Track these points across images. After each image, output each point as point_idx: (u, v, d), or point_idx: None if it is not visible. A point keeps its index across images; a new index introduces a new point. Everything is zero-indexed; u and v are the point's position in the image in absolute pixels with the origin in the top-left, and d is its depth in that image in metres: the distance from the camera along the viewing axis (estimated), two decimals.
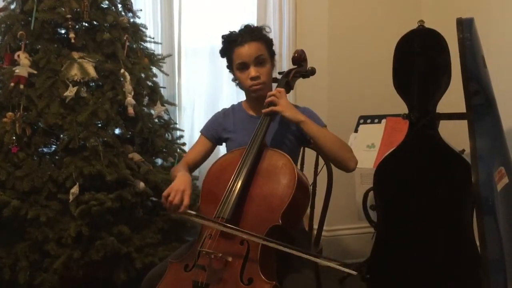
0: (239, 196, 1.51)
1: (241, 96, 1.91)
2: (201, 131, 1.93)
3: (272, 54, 1.81)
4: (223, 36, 1.81)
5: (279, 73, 1.89)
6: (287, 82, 1.84)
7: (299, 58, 1.91)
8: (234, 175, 1.55)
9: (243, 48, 1.72)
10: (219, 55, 3.06)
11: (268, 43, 1.80)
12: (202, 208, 1.60)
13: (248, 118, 1.84)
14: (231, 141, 1.84)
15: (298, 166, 1.83)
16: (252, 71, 1.72)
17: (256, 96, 1.77)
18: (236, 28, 1.82)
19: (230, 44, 1.76)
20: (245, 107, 1.89)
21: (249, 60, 1.72)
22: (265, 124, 1.66)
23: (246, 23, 1.83)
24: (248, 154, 1.59)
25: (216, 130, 1.88)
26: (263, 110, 1.68)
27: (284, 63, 3.13)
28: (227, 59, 1.82)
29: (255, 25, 1.82)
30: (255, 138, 1.63)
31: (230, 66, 1.83)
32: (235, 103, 1.98)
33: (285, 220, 1.45)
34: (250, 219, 1.49)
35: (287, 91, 1.87)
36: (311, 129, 1.64)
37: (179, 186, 1.52)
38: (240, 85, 1.85)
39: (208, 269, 1.42)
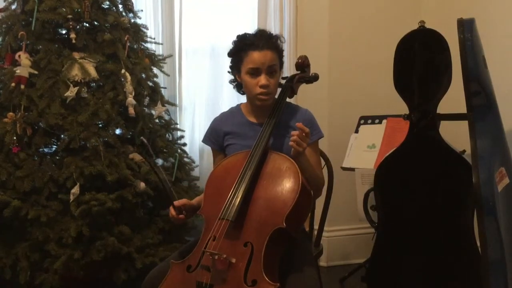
0: (244, 199, 1.51)
1: (241, 96, 1.88)
2: (206, 143, 1.89)
3: (281, 65, 1.79)
4: (238, 36, 1.76)
5: (283, 78, 1.89)
6: (291, 87, 1.84)
7: (302, 64, 1.92)
8: (238, 177, 1.55)
9: (259, 53, 1.67)
10: (219, 55, 3.11)
11: (281, 54, 1.77)
12: (205, 210, 1.59)
13: (249, 125, 1.81)
14: (231, 146, 1.82)
15: None
16: (263, 79, 1.68)
17: (259, 104, 1.74)
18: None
19: (245, 46, 1.70)
20: (245, 111, 1.85)
21: (262, 67, 1.68)
22: (269, 128, 1.65)
23: (261, 28, 1.80)
24: (253, 157, 1.58)
25: (217, 139, 1.85)
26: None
27: (284, 63, 3.12)
28: (235, 59, 1.76)
29: (269, 31, 1.78)
30: (259, 141, 1.62)
31: (236, 67, 1.77)
32: (236, 103, 1.96)
33: (289, 223, 1.45)
34: (254, 222, 1.49)
35: (291, 96, 1.88)
36: (301, 163, 1.61)
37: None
38: (238, 88, 1.83)
39: (212, 270, 1.42)
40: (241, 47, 1.71)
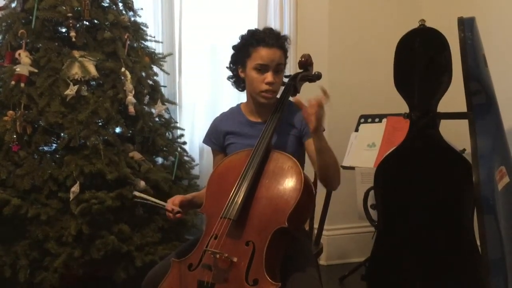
0: (246, 197, 1.50)
1: (242, 95, 1.88)
2: (206, 144, 1.89)
3: (285, 65, 1.78)
4: (248, 30, 1.74)
5: (285, 76, 1.88)
6: (294, 86, 1.84)
7: (305, 63, 1.92)
8: (241, 176, 1.55)
9: (269, 50, 1.66)
10: (219, 54, 3.10)
11: (286, 55, 1.77)
12: (207, 208, 1.59)
13: (250, 124, 1.80)
14: (232, 146, 1.81)
15: None
16: (270, 76, 1.67)
17: (263, 102, 1.73)
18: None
19: (255, 41, 1.68)
20: (245, 111, 1.84)
21: (270, 64, 1.67)
22: (272, 126, 1.65)
23: (264, 25, 1.78)
24: (255, 155, 1.58)
25: (218, 140, 1.84)
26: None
27: None
28: (241, 54, 1.73)
29: (278, 30, 1.77)
30: (262, 140, 1.61)
31: (241, 62, 1.74)
32: (236, 102, 1.95)
33: (291, 223, 1.45)
34: (256, 221, 1.49)
35: (293, 95, 1.87)
36: (321, 144, 1.57)
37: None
38: (237, 84, 1.82)
39: (214, 269, 1.42)
40: (250, 42, 1.69)
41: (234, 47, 1.78)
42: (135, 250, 2.35)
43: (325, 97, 1.52)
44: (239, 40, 1.75)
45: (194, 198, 1.71)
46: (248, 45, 1.70)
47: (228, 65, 1.82)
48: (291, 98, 1.83)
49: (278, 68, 1.70)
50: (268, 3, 3.19)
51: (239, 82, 1.81)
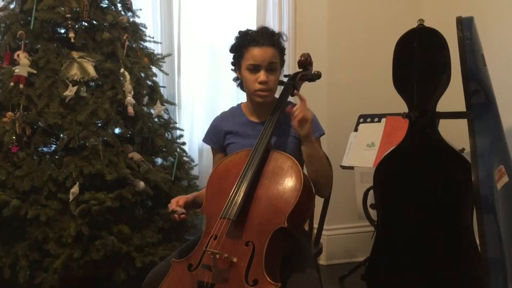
0: (245, 197, 1.50)
1: (241, 95, 1.88)
2: (206, 143, 1.89)
3: (282, 63, 1.79)
4: (240, 32, 1.75)
5: (285, 75, 1.88)
6: (293, 85, 1.83)
7: (305, 62, 1.91)
8: (240, 176, 1.54)
9: (260, 49, 1.67)
10: (218, 54, 3.11)
11: (282, 52, 1.77)
12: (206, 208, 1.59)
13: (250, 124, 1.80)
14: (232, 145, 1.81)
15: None
16: (262, 75, 1.67)
17: (259, 101, 1.74)
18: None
19: (247, 42, 1.69)
20: (246, 111, 1.84)
21: (262, 64, 1.67)
22: (271, 126, 1.65)
23: (263, 25, 1.77)
24: (255, 155, 1.58)
25: (218, 139, 1.84)
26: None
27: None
28: (236, 55, 1.75)
29: (272, 29, 1.77)
30: (261, 139, 1.61)
31: (237, 63, 1.76)
32: (235, 102, 1.95)
33: (290, 223, 1.45)
34: (256, 221, 1.48)
35: (293, 95, 1.87)
36: (310, 151, 1.62)
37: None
38: (242, 86, 1.82)
39: (213, 269, 1.42)
40: (243, 43, 1.70)
41: (230, 50, 1.78)
42: (135, 250, 2.35)
43: (302, 101, 1.59)
44: (233, 41, 1.76)
45: (196, 198, 1.71)
46: (241, 46, 1.71)
47: (232, 67, 1.83)
48: (291, 99, 1.83)
49: (271, 67, 1.69)
50: (266, 3, 3.19)
51: (241, 82, 1.81)
